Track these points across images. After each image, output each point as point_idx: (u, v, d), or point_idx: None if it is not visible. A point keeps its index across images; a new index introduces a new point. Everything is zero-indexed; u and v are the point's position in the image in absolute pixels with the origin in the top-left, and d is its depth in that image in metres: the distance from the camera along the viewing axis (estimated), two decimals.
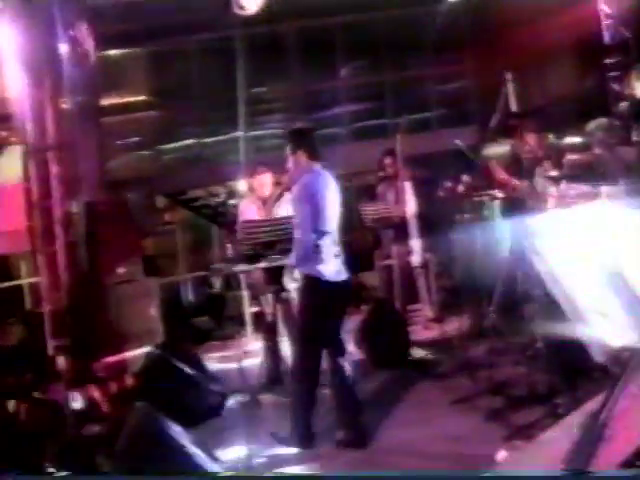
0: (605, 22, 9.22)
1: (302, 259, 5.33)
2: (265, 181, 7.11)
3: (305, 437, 5.33)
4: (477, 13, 10.13)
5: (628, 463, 2.36)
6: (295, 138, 5.61)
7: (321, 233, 5.28)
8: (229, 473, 4.60)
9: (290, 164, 5.55)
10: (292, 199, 5.59)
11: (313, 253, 5.25)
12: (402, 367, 6.88)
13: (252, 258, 6.48)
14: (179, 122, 11.29)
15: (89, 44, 8.38)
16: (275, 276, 6.57)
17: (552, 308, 5.68)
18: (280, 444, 5.39)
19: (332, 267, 5.33)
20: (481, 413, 5.53)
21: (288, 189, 5.81)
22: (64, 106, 7.64)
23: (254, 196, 7.29)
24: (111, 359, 5.54)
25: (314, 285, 5.32)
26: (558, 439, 2.70)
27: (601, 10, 9.21)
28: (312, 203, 5.26)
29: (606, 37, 9.22)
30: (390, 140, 8.38)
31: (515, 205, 6.84)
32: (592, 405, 3.07)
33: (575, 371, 5.21)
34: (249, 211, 7.17)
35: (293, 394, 5.46)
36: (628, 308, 2.98)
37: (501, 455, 3.19)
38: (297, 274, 5.57)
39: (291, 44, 11.15)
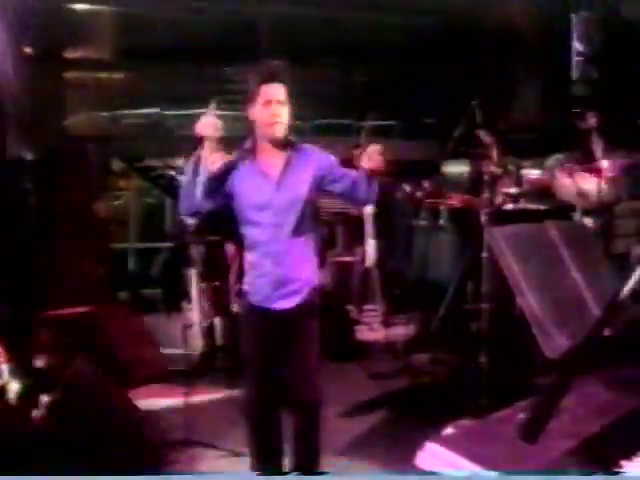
0: (575, 59, 9.38)
1: None
2: (220, 159, 7.10)
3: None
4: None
5: None
6: None
7: None
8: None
9: None
10: None
11: None
12: (340, 364, 6.86)
13: (202, 233, 6.44)
14: (143, 88, 11.07)
15: None
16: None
17: (501, 323, 5.79)
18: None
19: None
20: (414, 416, 5.63)
21: None
22: (26, 52, 7.45)
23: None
24: (55, 313, 5.38)
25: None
26: (510, 418, 2.68)
27: (574, 47, 9.38)
28: None
29: (574, 74, 9.39)
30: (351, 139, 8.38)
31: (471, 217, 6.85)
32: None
33: (514, 390, 5.26)
34: None
35: None
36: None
37: (447, 431, 3.15)
38: None
39: (265, 28, 11.01)
